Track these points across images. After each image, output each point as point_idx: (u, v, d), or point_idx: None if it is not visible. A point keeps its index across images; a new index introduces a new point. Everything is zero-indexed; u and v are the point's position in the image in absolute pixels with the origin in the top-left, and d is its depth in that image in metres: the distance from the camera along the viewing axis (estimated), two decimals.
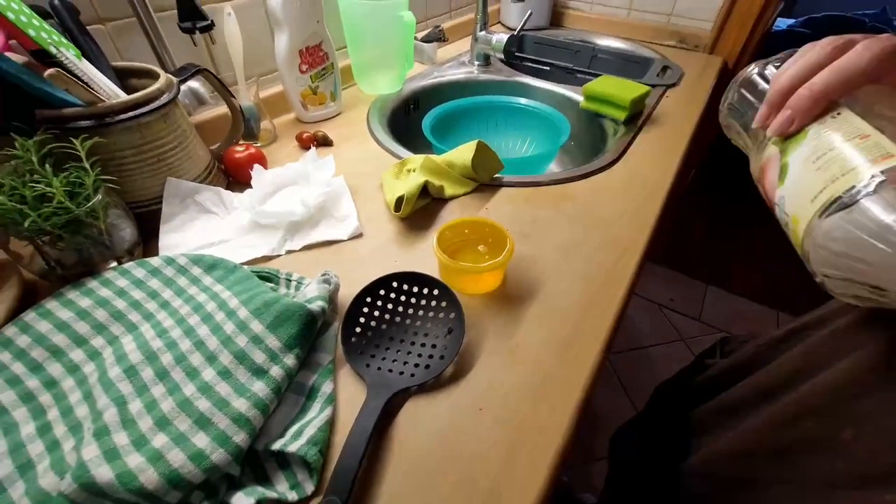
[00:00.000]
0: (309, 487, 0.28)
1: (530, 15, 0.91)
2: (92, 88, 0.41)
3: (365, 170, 0.59)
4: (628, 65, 1.00)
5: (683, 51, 1.05)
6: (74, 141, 0.37)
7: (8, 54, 0.37)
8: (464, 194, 0.56)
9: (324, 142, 0.65)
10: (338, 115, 0.74)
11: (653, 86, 0.82)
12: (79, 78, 0.40)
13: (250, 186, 0.52)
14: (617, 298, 0.42)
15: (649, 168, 0.62)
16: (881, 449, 0.30)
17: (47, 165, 0.36)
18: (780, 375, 0.39)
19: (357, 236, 0.49)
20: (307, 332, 0.34)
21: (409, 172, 0.57)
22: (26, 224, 0.34)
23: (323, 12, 0.63)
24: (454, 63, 0.96)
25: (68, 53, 0.40)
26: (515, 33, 0.90)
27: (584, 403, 0.34)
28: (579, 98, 0.80)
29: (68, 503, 0.25)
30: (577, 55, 1.06)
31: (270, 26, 0.63)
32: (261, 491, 0.28)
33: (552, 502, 0.30)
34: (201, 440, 0.28)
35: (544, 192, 0.57)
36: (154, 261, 0.40)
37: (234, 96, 0.55)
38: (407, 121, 0.82)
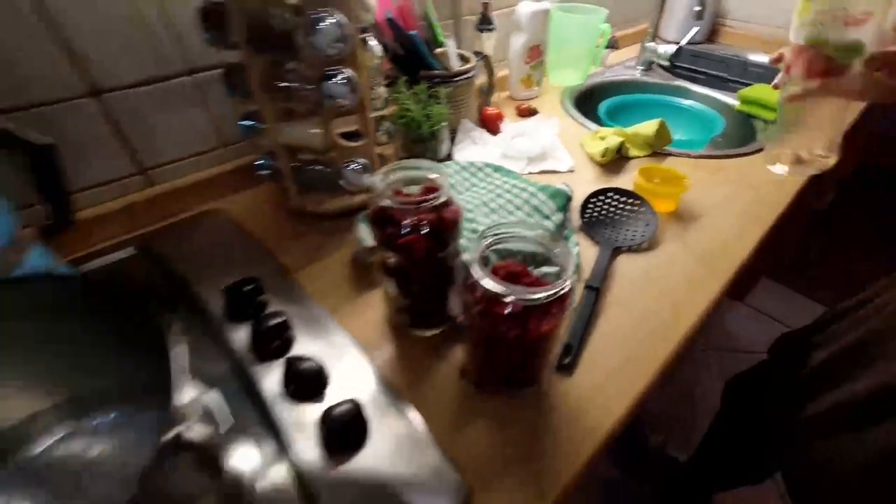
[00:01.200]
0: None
1: (696, 31, 1.09)
2: (448, 62, 0.71)
3: (564, 134, 0.84)
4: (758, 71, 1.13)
5: None
6: (438, 89, 0.67)
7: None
8: (643, 156, 0.78)
9: (533, 112, 0.91)
10: (536, 97, 1.00)
11: None
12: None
13: (493, 133, 0.80)
14: (750, 245, 0.60)
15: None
16: None
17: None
18: None
19: (570, 170, 0.74)
20: (566, 204, 0.60)
21: (602, 139, 0.80)
22: (423, 129, 0.64)
23: (548, 23, 0.90)
24: (620, 66, 1.18)
25: (447, 42, 0.70)
26: (681, 45, 1.09)
27: (720, 295, 0.54)
28: (732, 102, 0.98)
29: None
30: (729, 66, 1.21)
31: (510, 30, 0.91)
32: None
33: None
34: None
35: (702, 163, 0.77)
36: (461, 162, 0.69)
37: (494, 74, 0.83)
38: (585, 106, 1.06)
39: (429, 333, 0.46)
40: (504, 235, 0.35)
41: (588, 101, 1.08)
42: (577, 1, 0.99)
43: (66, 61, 0.48)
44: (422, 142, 0.67)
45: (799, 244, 1.75)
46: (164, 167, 0.60)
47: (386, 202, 0.36)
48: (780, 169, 0.65)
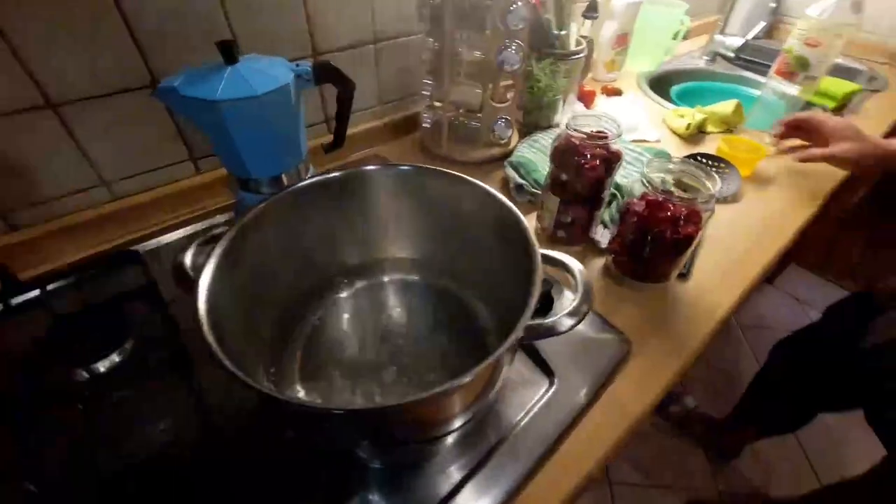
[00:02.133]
0: None
1: (763, 26, 1.21)
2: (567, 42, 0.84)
3: (646, 112, 0.97)
4: (836, 72, 1.24)
5: (891, 67, 1.26)
6: (559, 64, 0.80)
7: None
8: (718, 132, 0.91)
9: (618, 92, 1.04)
10: (616, 80, 1.13)
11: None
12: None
13: (587, 108, 0.93)
14: (813, 205, 0.73)
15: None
16: None
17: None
18: None
19: (658, 140, 0.87)
20: None
21: (682, 116, 0.93)
22: (547, 97, 0.78)
23: (637, 14, 1.02)
24: (687, 56, 1.30)
25: (571, 26, 0.84)
26: (747, 38, 1.20)
27: (791, 239, 0.67)
28: (792, 91, 1.09)
29: None
30: None
31: (603, 18, 1.03)
32: None
33: None
34: None
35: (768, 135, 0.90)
36: None
37: (591, 56, 0.96)
38: (658, 90, 1.18)
39: (574, 249, 0.61)
40: (665, 165, 0.50)
41: (659, 86, 1.20)
42: None
43: None
44: (540, 109, 0.81)
45: (828, 235, 1.86)
46: None
47: (576, 138, 0.51)
48: None
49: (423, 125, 0.75)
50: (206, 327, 0.27)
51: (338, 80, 0.47)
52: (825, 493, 0.93)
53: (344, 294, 0.49)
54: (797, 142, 0.79)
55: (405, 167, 0.44)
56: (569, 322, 0.31)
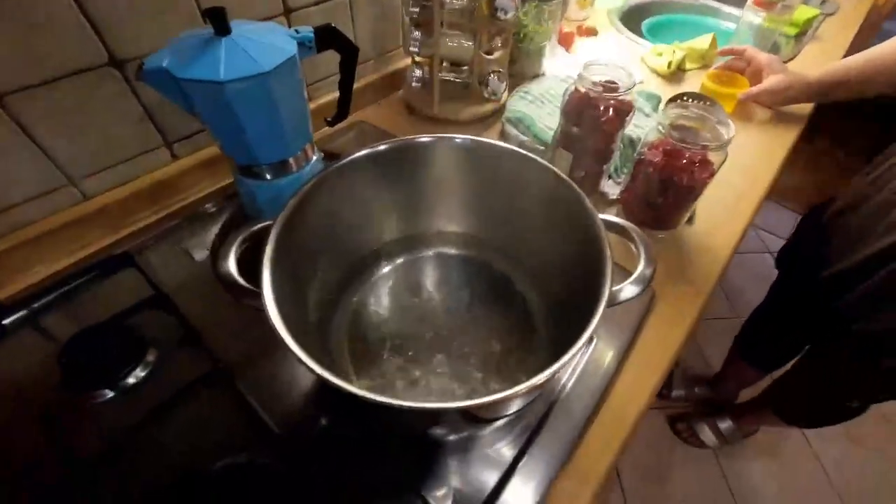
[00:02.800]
0: None
1: None
2: None
3: (623, 52, 0.96)
4: None
5: None
6: (543, 7, 0.76)
7: None
8: (696, 68, 0.92)
9: (593, 32, 1.01)
10: (588, 18, 1.09)
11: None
12: None
13: (567, 51, 0.91)
14: (784, 150, 0.77)
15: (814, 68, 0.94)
16: None
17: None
18: None
19: (641, 82, 0.87)
20: (658, 104, 0.74)
21: (660, 55, 0.93)
22: (534, 44, 0.74)
23: None
24: None
25: None
26: None
27: (782, 163, 0.71)
28: (758, 20, 1.11)
29: None
30: None
31: None
32: None
33: None
34: None
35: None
36: (561, 75, 0.80)
37: None
38: (628, 25, 1.16)
39: None
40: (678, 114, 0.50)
41: (631, 20, 1.18)
42: None
43: None
44: (528, 56, 0.78)
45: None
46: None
47: (591, 90, 0.49)
48: None
49: (413, 84, 0.70)
50: (288, 340, 0.25)
51: (342, 46, 0.42)
52: (773, 386, 1.00)
53: (386, 269, 0.47)
54: None
55: (458, 139, 0.42)
56: (635, 289, 0.32)
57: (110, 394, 0.39)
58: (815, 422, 0.95)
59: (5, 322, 0.44)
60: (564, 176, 0.36)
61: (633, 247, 0.33)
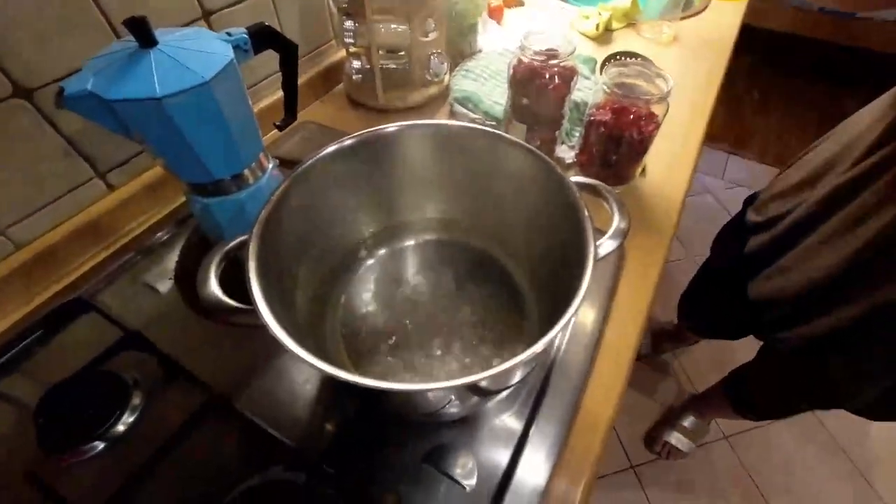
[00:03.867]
0: None
1: None
2: None
3: (552, 19, 0.98)
4: None
5: None
6: None
7: None
8: (622, 27, 0.95)
9: (519, 3, 1.02)
10: None
11: None
12: None
13: (498, 24, 0.91)
14: (712, 94, 0.82)
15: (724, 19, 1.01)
16: None
17: None
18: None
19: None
20: (594, 66, 0.76)
21: (587, 18, 0.95)
22: (468, 20, 0.74)
23: None
24: None
25: None
26: None
27: (719, 90, 0.76)
28: None
29: None
30: None
31: None
32: None
33: None
34: None
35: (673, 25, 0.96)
36: (499, 49, 0.81)
37: None
38: None
39: None
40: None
41: None
42: None
43: None
44: (463, 35, 0.77)
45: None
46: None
47: (534, 61, 0.50)
48: None
49: (354, 77, 0.68)
50: (297, 349, 0.24)
51: (280, 45, 0.40)
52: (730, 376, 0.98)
53: (370, 262, 0.47)
54: None
55: (423, 123, 0.41)
56: (614, 243, 0.33)
57: (101, 445, 0.36)
58: (764, 415, 0.93)
59: None
60: (533, 147, 0.37)
61: (605, 203, 0.35)
